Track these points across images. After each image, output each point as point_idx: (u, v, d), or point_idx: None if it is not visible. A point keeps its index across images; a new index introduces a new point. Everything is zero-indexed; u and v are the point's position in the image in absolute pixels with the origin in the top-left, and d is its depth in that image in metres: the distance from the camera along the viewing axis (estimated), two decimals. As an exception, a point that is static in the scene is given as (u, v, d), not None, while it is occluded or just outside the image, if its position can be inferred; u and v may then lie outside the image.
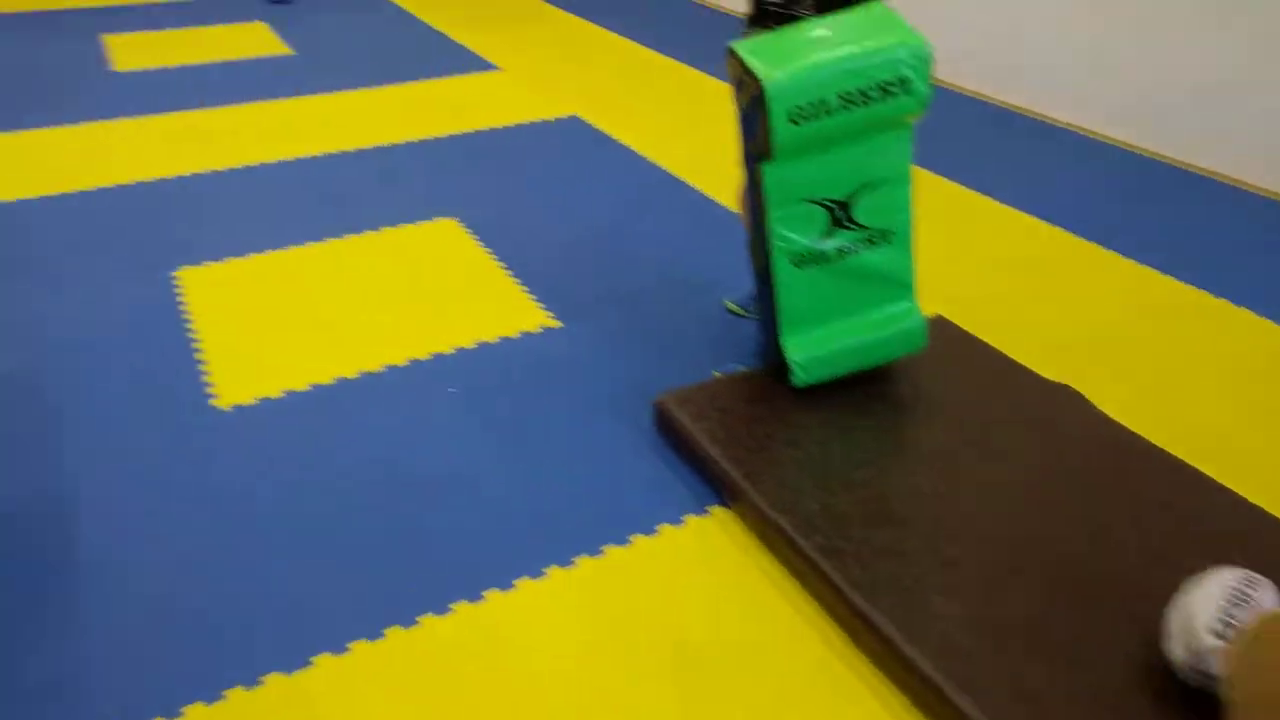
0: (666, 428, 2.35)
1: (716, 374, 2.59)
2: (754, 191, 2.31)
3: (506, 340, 2.85)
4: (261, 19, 6.41)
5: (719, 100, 5.00)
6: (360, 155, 4.22)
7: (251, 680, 1.75)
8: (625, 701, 1.73)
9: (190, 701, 1.71)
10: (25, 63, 5.39)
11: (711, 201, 3.78)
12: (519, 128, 4.58)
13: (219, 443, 2.40)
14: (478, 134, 4.48)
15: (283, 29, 6.18)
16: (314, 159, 4.16)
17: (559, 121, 4.67)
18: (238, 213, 3.65)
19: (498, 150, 4.31)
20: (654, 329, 2.91)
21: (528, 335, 2.88)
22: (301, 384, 2.63)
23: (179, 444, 2.39)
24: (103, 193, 3.79)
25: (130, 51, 5.64)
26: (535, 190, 3.91)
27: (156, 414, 2.50)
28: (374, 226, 3.54)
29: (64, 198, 3.74)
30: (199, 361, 2.72)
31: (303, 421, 2.48)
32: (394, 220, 3.59)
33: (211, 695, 1.72)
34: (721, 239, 3.45)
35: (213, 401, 2.55)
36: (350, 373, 2.68)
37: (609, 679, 1.78)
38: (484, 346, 2.82)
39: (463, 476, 2.29)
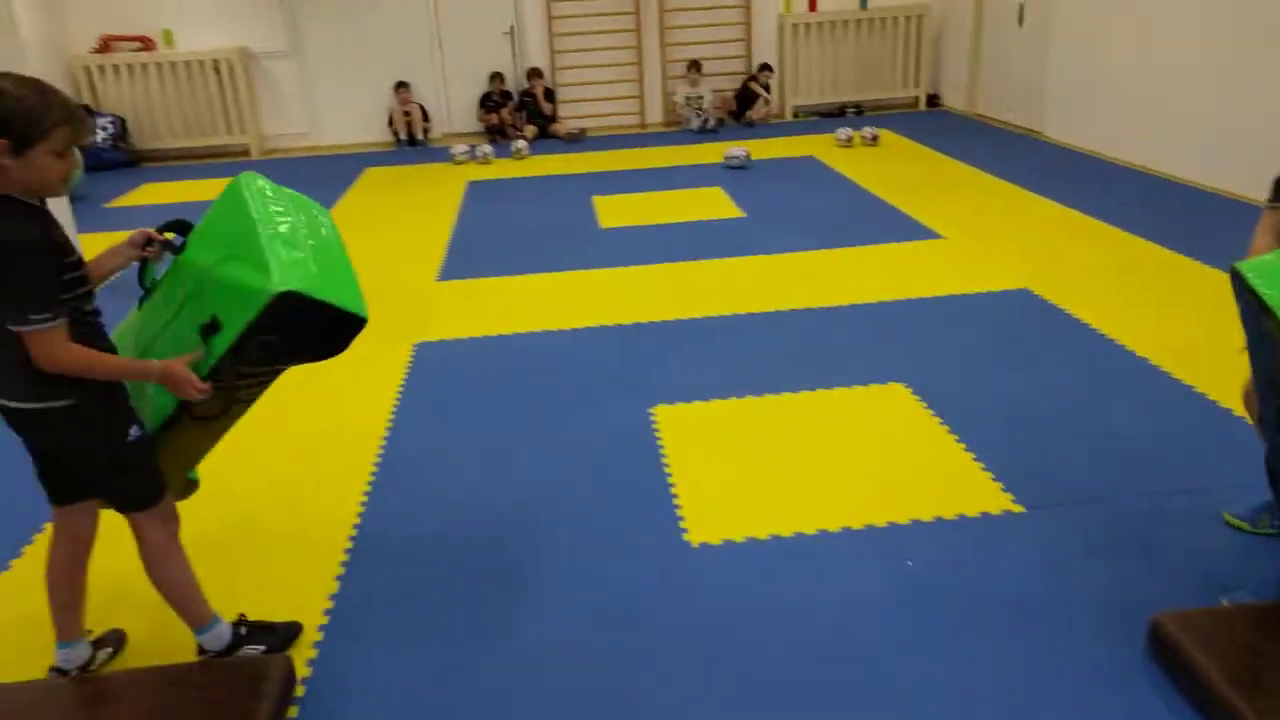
0: (1165, 652, 2.10)
1: (1225, 602, 2.28)
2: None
3: (965, 519, 2.76)
4: (719, 184, 7.10)
5: (1186, 278, 4.62)
6: (810, 313, 4.44)
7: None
8: None
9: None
10: (533, 220, 6.43)
11: (1197, 395, 3.43)
12: (967, 297, 4.54)
13: (688, 579, 2.56)
14: (925, 300, 4.51)
15: (736, 194, 6.78)
16: (768, 314, 4.45)
17: (1008, 293, 4.56)
18: (703, 358, 3.99)
19: (946, 318, 4.30)
20: (1135, 534, 2.65)
21: (989, 517, 2.77)
22: (763, 532, 2.74)
23: (652, 573, 2.59)
24: (590, 331, 4.35)
25: (613, 211, 6.52)
26: (988, 362, 3.82)
27: (633, 539, 2.74)
28: (826, 384, 3.67)
29: (559, 334, 4.34)
30: (673, 495, 2.96)
31: (764, 571, 2.57)
32: (845, 380, 3.69)
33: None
34: (1212, 438, 3.10)
35: (684, 536, 2.74)
36: (808, 529, 2.75)
37: None
38: (941, 523, 2.75)
39: (915, 663, 2.21)
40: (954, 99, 9.98)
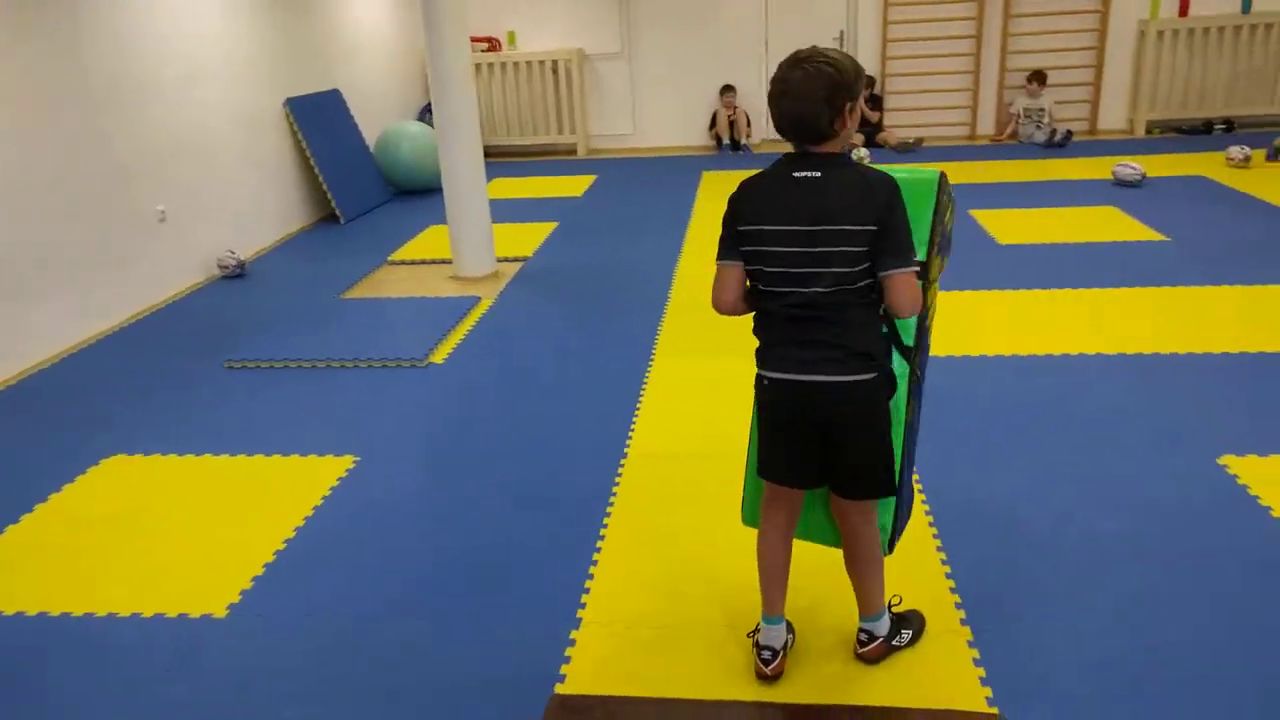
0: None
1: None
2: None
3: None
4: (1114, 203, 6.45)
5: None
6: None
7: None
8: None
9: None
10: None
11: None
12: None
13: None
14: None
15: (1141, 214, 6.11)
16: (1214, 355, 3.85)
17: None
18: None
19: None
20: None
21: None
22: None
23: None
24: (1088, 359, 3.92)
25: (1007, 227, 6.02)
26: None
27: None
28: None
29: (1048, 359, 3.93)
30: (1328, 580, 2.48)
31: None
32: None
33: None
34: None
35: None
36: None
37: None
38: None
39: None
40: (1350, 118, 8.76)
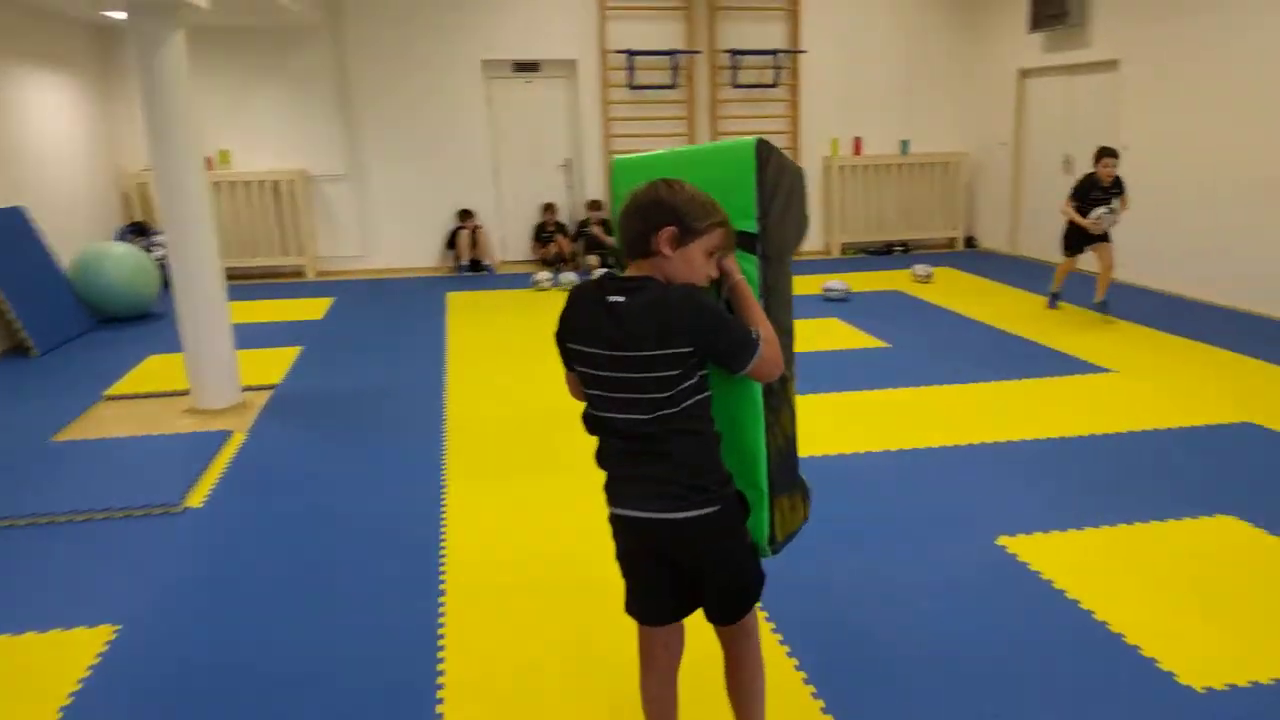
0: None
1: None
2: None
3: None
4: (832, 315, 7.15)
5: None
6: (1057, 443, 4.38)
7: None
8: None
9: None
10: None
11: None
12: (1190, 430, 4.56)
13: (1223, 729, 2.36)
14: (1155, 432, 4.52)
15: (860, 324, 6.82)
16: (1006, 444, 4.38)
17: (1228, 427, 4.60)
18: (1028, 485, 3.86)
19: (1191, 450, 4.30)
20: None
21: None
22: (1251, 678, 2.58)
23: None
24: (880, 455, 4.20)
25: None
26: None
27: (1119, 686, 2.54)
28: (1148, 517, 3.58)
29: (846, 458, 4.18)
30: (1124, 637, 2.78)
31: (1293, 718, 2.40)
32: (1162, 514, 3.61)
33: None
34: None
35: (1178, 679, 2.56)
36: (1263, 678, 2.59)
37: None
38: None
39: None
40: (992, 240, 10.43)
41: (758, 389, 1.90)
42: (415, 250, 9.61)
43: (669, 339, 1.75)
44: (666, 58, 9.50)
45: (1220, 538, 3.44)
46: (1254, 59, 6.86)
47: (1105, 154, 6.54)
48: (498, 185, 9.67)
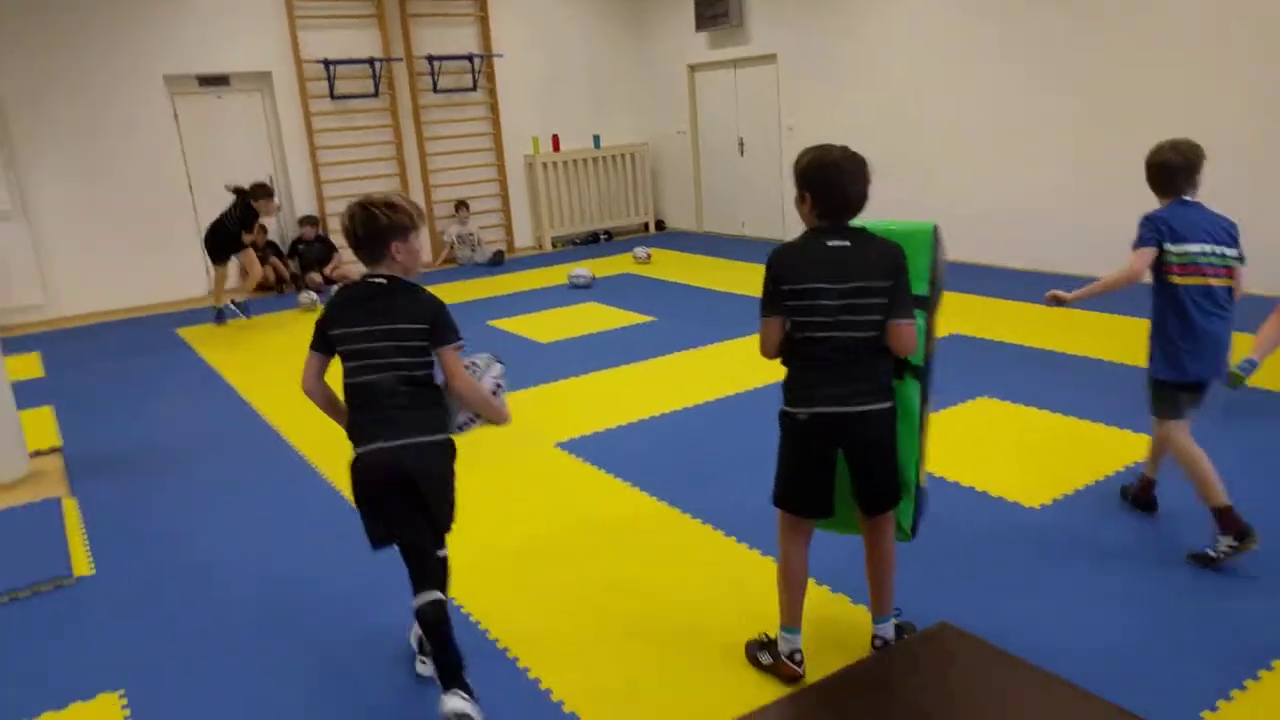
0: None
1: None
2: None
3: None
4: (591, 300, 7.71)
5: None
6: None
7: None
8: None
9: None
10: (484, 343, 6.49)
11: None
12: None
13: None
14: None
15: (619, 304, 7.46)
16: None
17: (947, 338, 5.84)
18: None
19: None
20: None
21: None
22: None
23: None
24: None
25: (536, 329, 6.83)
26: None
27: (981, 512, 3.38)
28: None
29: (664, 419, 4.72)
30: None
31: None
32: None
33: None
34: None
35: (1011, 500, 3.45)
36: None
37: None
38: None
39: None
40: (680, 221, 11.60)
41: (915, 391, 2.49)
42: (116, 289, 8.66)
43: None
44: (366, 66, 9.43)
45: (988, 411, 4.52)
46: (881, 44, 8.49)
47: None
48: (198, 207, 8.97)
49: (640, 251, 9.37)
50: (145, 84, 8.57)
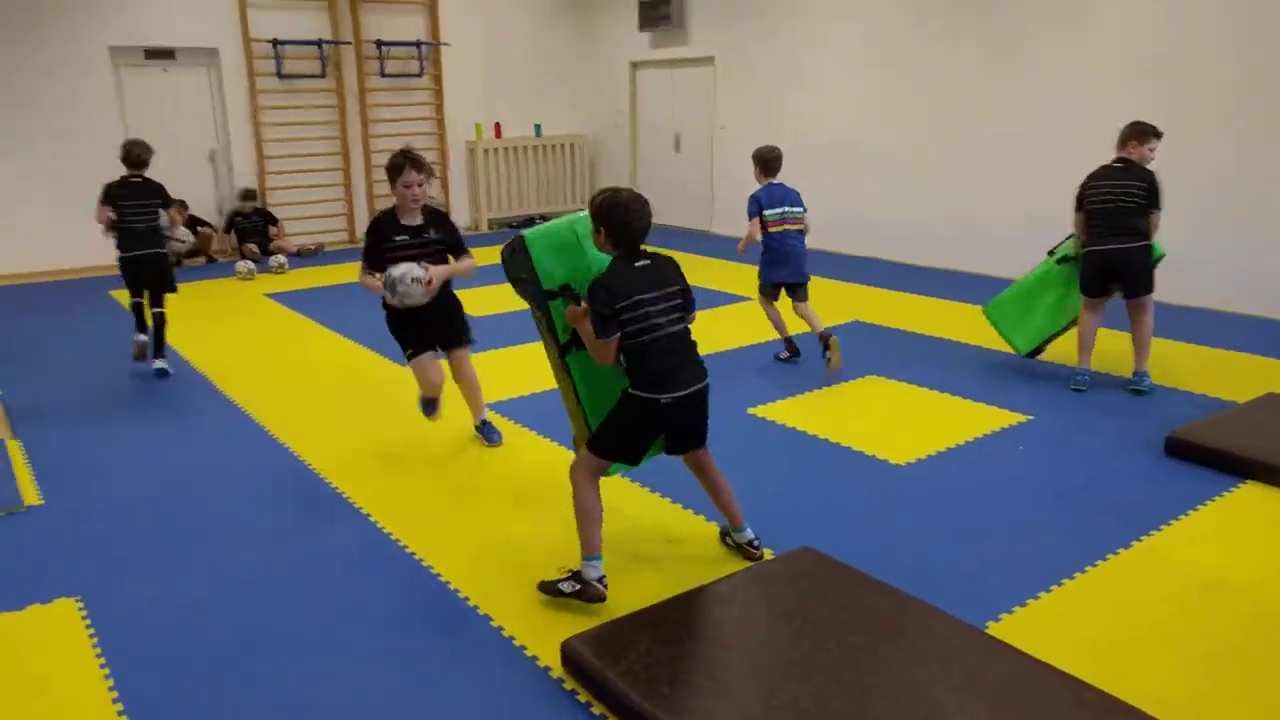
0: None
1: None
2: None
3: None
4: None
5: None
6: (762, 348, 5.76)
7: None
8: None
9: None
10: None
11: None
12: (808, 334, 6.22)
13: (933, 489, 3.77)
14: (804, 335, 6.11)
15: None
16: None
17: (848, 324, 6.34)
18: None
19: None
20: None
21: (1031, 430, 4.39)
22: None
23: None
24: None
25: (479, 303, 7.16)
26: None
27: (857, 467, 3.85)
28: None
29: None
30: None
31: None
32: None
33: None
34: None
35: (888, 460, 3.94)
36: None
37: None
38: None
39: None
40: (617, 211, 11.96)
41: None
42: (47, 253, 8.72)
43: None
44: (314, 47, 9.64)
45: (876, 389, 5.04)
46: (806, 52, 9.02)
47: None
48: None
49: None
50: (93, 54, 8.67)
